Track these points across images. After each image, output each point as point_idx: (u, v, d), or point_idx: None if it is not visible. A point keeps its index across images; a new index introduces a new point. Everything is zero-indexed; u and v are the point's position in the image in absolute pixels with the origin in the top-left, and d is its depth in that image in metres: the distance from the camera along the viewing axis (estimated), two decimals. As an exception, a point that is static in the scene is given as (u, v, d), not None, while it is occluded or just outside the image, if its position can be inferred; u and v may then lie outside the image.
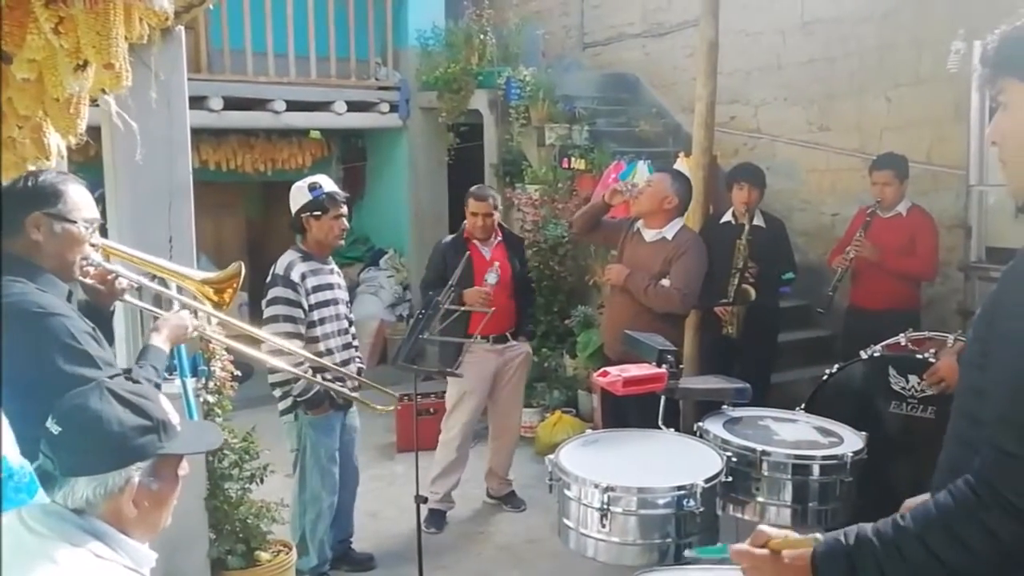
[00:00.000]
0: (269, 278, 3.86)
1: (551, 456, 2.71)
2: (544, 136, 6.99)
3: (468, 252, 4.30)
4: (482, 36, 7.56)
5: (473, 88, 7.51)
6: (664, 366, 2.92)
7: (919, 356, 3.56)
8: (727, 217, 5.02)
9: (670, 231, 4.23)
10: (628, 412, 3.80)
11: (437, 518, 4.71)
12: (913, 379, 3.53)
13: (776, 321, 5.16)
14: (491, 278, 4.59)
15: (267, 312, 3.81)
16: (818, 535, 1.43)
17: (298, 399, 3.78)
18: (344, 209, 3.91)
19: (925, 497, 1.47)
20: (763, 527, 1.50)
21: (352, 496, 4.21)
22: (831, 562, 1.39)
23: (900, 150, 5.09)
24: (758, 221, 4.98)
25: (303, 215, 3.87)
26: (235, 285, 2.72)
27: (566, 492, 2.58)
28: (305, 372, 3.61)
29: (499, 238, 4.78)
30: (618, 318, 4.23)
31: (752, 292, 4.76)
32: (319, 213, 3.83)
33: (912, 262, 4.76)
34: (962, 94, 5.53)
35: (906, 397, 3.56)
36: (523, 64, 7.47)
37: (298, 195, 3.89)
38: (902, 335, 3.76)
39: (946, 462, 1.52)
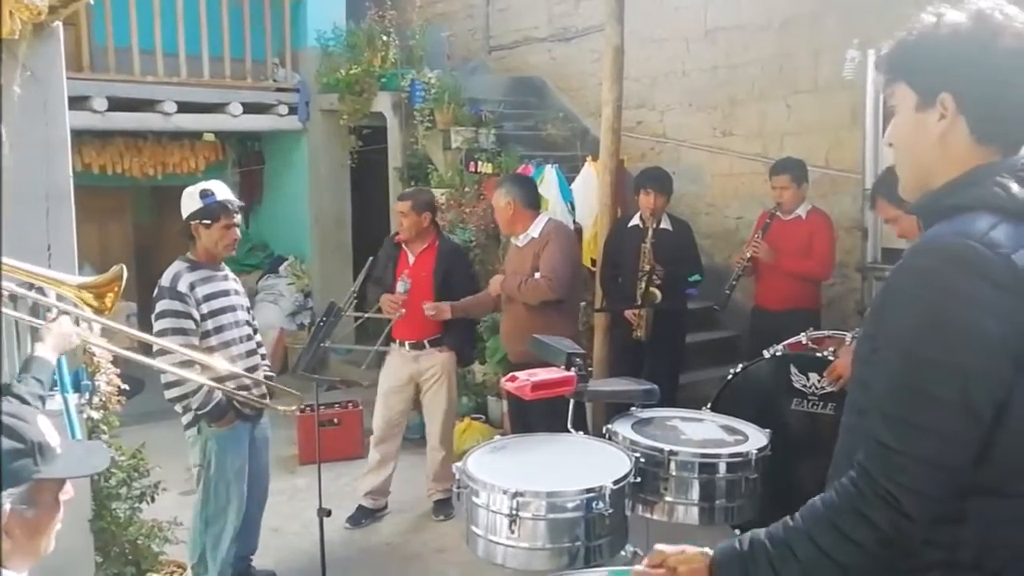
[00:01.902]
0: (156, 291, 3.64)
1: (458, 464, 2.65)
2: (450, 139, 6.90)
3: (394, 255, 4.46)
4: (384, 37, 7.42)
5: (376, 90, 7.36)
6: (573, 369, 2.88)
7: (819, 354, 3.63)
8: (635, 221, 5.06)
9: (536, 229, 4.37)
10: (536, 416, 3.76)
11: (359, 515, 4.72)
12: (814, 377, 3.59)
13: (683, 322, 5.21)
14: (400, 287, 4.58)
15: (156, 327, 3.58)
16: (708, 550, 1.48)
17: (199, 412, 3.57)
18: (237, 219, 3.75)
19: None
20: (659, 545, 1.53)
21: (260, 511, 4.03)
22: (727, 570, 1.43)
23: (800, 155, 5.21)
24: (665, 224, 5.03)
25: (192, 222, 3.69)
26: (116, 289, 2.58)
27: (474, 499, 2.53)
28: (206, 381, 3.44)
29: (429, 244, 4.70)
30: (511, 324, 4.41)
31: (658, 294, 4.80)
32: (209, 221, 3.67)
33: (808, 263, 4.86)
34: (858, 101, 5.70)
35: (807, 395, 3.62)
36: (428, 66, 7.38)
37: (188, 201, 3.71)
38: (803, 334, 3.83)
39: (840, 454, 1.54)
